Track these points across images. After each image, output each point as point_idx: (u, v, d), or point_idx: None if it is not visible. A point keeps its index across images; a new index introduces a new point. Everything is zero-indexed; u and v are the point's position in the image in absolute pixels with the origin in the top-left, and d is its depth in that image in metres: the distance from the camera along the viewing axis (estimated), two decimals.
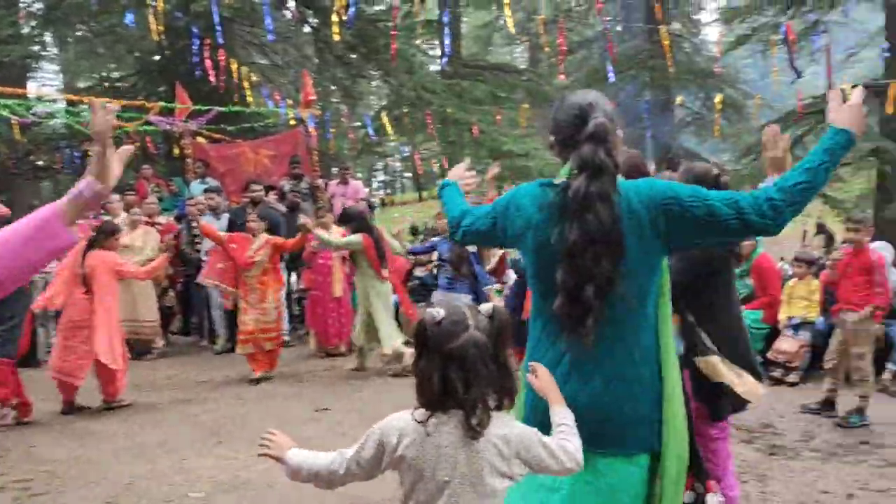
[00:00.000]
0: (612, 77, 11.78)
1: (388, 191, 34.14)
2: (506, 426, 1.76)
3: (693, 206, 1.96)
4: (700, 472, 2.34)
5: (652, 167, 3.09)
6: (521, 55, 29.31)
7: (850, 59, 21.08)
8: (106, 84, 14.04)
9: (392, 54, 9.59)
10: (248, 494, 4.19)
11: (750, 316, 6.72)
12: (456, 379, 1.69)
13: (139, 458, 4.89)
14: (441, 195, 2.60)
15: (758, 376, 3.03)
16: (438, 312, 1.74)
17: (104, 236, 6.06)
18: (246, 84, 8.74)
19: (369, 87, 14.82)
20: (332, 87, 14.47)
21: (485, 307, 1.80)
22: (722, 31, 16.90)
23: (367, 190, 9.86)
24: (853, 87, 2.18)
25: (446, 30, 11.06)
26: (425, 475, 1.72)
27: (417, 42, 12.63)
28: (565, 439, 1.84)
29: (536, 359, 2.05)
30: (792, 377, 6.43)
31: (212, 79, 8.46)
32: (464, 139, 11.68)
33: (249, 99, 8.73)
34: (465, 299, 5.64)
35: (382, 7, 14.29)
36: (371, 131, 10.66)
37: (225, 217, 8.38)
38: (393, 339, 6.80)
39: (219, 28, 7.49)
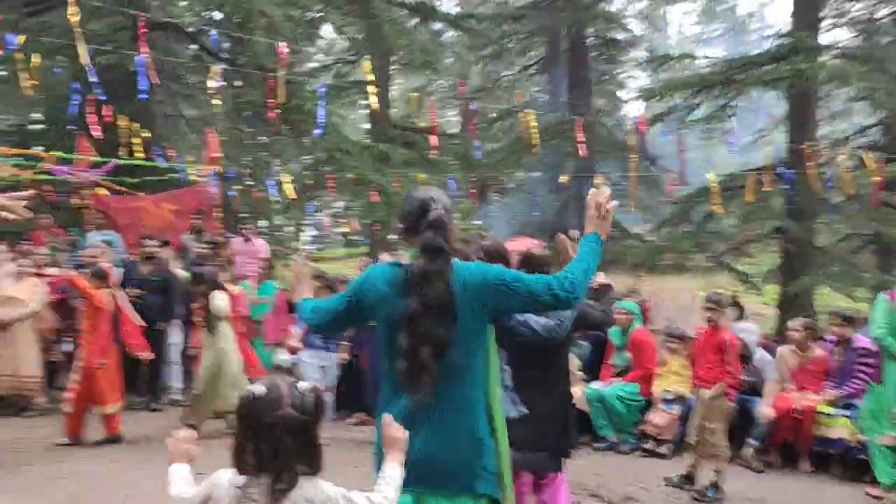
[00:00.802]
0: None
1: (319, 246, 33.96)
2: (314, 489, 2.02)
3: (517, 287, 2.43)
4: None
5: (576, 233, 3.59)
6: (453, 118, 29.94)
7: (758, 141, 22.27)
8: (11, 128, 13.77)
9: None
10: None
11: (626, 388, 6.92)
12: (265, 450, 1.95)
13: None
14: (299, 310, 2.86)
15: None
16: (259, 388, 2.00)
17: None
18: (136, 140, 8.70)
19: (285, 145, 14.91)
20: (248, 142, 14.54)
21: (303, 385, 2.06)
22: (642, 114, 17.68)
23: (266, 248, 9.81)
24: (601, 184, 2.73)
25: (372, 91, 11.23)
26: None
27: (334, 106, 12.81)
28: (378, 490, 2.16)
29: (386, 412, 2.36)
30: (663, 449, 6.59)
31: (96, 133, 8.39)
32: (383, 200, 11.81)
33: (140, 155, 8.66)
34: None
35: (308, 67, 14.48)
36: (275, 192, 10.71)
37: (118, 271, 8.22)
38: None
39: (96, 82, 7.46)
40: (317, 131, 9.14)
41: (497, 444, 2.50)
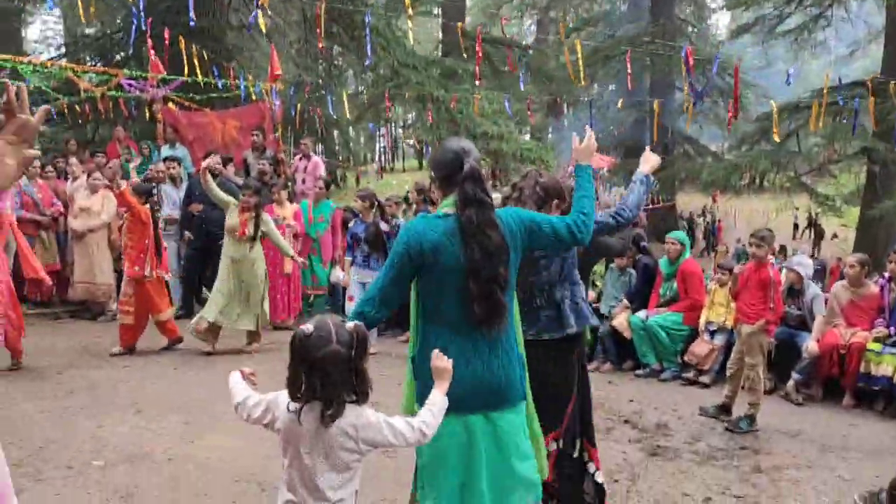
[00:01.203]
0: None
1: (389, 157, 34.37)
2: (358, 416, 2.28)
3: (545, 229, 2.72)
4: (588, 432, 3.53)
5: (648, 147, 3.86)
6: (529, 29, 29.05)
7: (853, 54, 20.82)
8: (87, 41, 14.19)
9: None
10: (144, 465, 4.34)
11: (671, 317, 6.90)
12: (315, 381, 2.21)
13: (58, 422, 5.05)
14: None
15: None
16: (308, 328, 2.24)
17: None
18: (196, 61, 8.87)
19: (352, 60, 14.81)
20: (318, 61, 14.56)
21: (349, 324, 2.29)
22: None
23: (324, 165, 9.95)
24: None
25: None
26: (291, 444, 2.30)
27: (400, 20, 12.59)
28: (419, 416, 2.41)
29: (439, 348, 2.54)
30: (704, 379, 6.60)
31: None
32: (441, 117, 11.75)
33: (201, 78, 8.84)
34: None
35: None
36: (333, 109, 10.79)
37: (184, 187, 8.59)
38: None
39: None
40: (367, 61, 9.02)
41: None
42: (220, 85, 9.49)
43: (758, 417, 5.44)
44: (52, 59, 13.46)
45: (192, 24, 7.93)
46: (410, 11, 9.95)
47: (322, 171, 9.40)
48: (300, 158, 9.59)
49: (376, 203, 7.43)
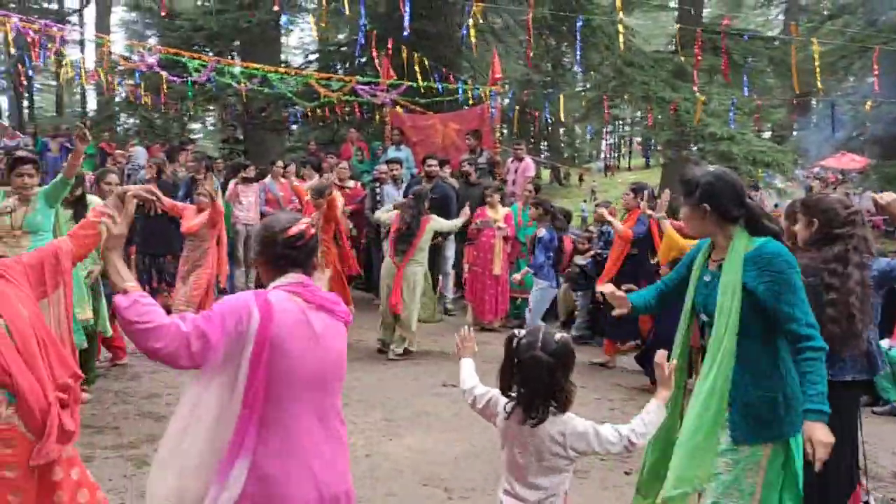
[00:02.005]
0: None
1: (615, 155, 33.48)
2: (565, 424, 2.39)
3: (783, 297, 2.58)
4: None
5: None
6: (777, 20, 26.82)
7: None
8: (333, 48, 15.31)
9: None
10: None
11: None
12: (521, 383, 2.38)
13: None
14: None
15: None
16: (520, 332, 2.43)
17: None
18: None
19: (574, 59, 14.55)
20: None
21: (558, 335, 2.41)
22: None
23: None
24: None
25: None
26: (507, 440, 2.45)
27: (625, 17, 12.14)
28: (632, 425, 2.44)
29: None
30: None
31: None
32: (665, 118, 11.22)
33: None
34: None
35: None
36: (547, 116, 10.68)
37: (404, 187, 8.98)
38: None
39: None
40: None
41: None
42: (440, 89, 9.81)
43: None
44: (299, 67, 14.75)
45: (405, 34, 8.26)
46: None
47: (532, 173, 9.37)
48: (512, 160, 9.64)
49: (550, 211, 7.30)
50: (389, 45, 9.42)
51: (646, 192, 6.77)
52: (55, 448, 2.37)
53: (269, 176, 9.29)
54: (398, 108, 10.53)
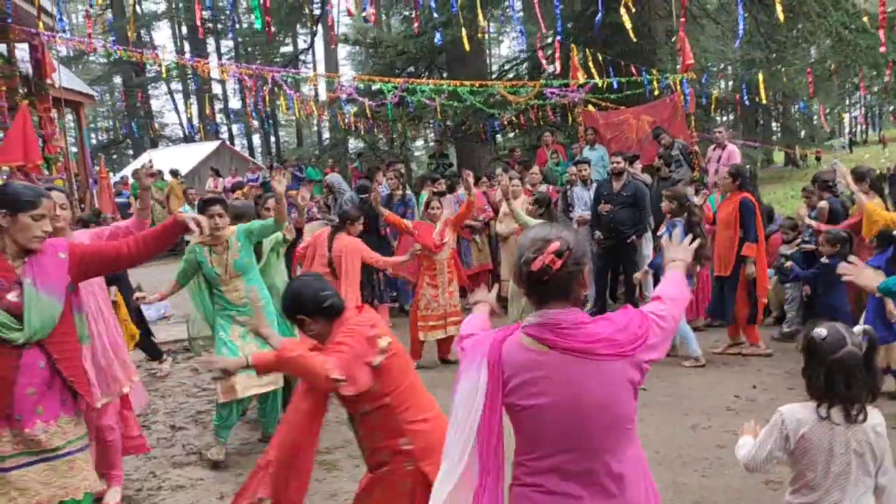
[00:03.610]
0: None
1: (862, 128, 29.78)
2: (877, 417, 2.41)
3: None
4: None
5: None
6: None
7: None
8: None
9: None
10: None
11: None
12: (838, 381, 2.35)
13: None
14: None
15: None
16: (822, 332, 2.40)
17: (347, 223, 6.44)
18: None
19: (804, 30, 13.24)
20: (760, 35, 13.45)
21: (857, 328, 2.44)
22: None
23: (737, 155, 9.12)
24: None
25: None
26: (819, 450, 2.38)
27: None
28: None
29: None
30: None
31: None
32: None
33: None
34: None
35: None
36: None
37: (594, 188, 8.80)
38: None
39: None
40: None
41: None
42: (622, 83, 9.48)
43: None
44: (500, 75, 15.02)
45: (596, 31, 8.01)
46: None
47: (737, 160, 8.69)
48: (714, 148, 9.03)
49: (686, 205, 6.60)
50: (572, 46, 9.29)
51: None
52: None
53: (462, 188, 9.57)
54: (590, 107, 10.36)
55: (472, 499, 1.97)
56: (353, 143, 23.59)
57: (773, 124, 26.84)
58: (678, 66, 9.95)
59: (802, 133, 26.39)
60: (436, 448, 2.28)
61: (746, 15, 14.67)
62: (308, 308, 2.78)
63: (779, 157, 29.42)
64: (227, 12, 30.17)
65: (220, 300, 4.96)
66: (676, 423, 5.20)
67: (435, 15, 11.07)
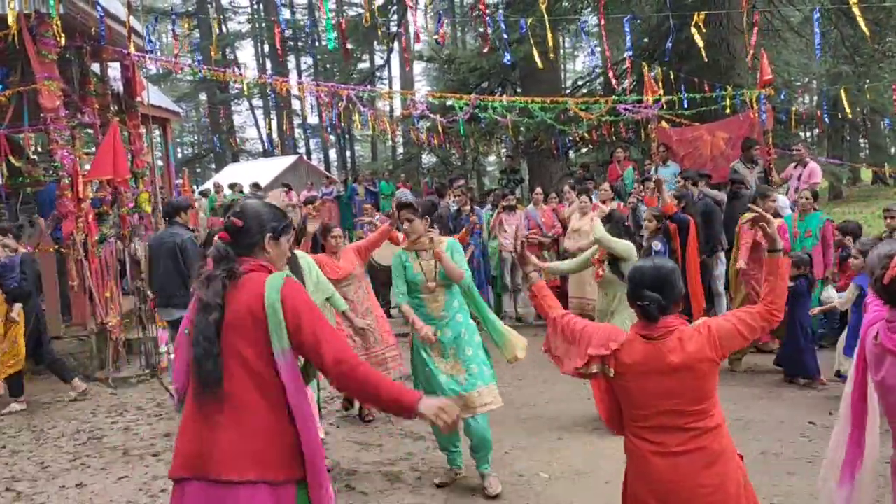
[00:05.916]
0: None
1: None
2: None
3: None
4: None
5: None
6: None
7: None
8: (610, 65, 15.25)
9: None
10: (584, 484, 4.62)
11: None
12: None
13: (521, 431, 5.65)
14: None
15: None
16: None
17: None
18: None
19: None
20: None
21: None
22: None
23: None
24: None
25: None
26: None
27: None
28: None
29: None
30: None
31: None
32: None
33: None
34: None
35: None
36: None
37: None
38: None
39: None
40: None
41: None
42: (691, 99, 9.30)
43: None
44: (571, 90, 14.95)
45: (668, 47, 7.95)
46: None
47: (818, 178, 8.40)
48: (794, 166, 8.75)
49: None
50: (644, 63, 9.19)
51: None
52: None
53: (532, 203, 9.59)
54: (663, 123, 10.21)
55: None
56: (427, 158, 23.85)
57: (861, 141, 25.76)
58: (756, 82, 9.70)
59: (893, 150, 25.26)
60: None
61: (833, 28, 14.21)
62: None
63: (867, 174, 28.19)
64: (307, 31, 31.01)
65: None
66: (744, 448, 5.06)
67: (504, 36, 11.13)
